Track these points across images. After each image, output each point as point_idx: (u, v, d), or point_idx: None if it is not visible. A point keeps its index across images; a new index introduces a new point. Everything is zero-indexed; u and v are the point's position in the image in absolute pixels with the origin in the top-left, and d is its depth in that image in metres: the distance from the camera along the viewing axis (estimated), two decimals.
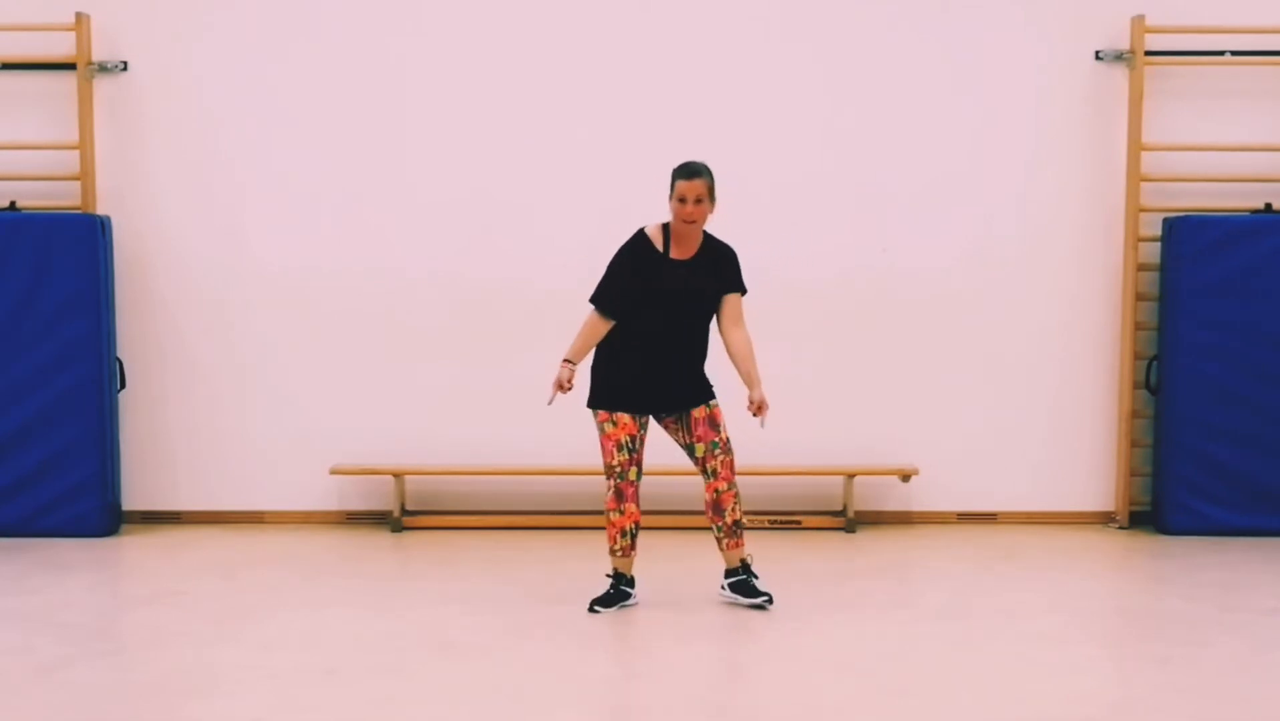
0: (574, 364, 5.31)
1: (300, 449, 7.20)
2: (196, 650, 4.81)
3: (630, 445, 5.31)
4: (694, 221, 5.22)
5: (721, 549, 5.47)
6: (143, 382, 7.19)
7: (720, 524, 5.40)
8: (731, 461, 5.38)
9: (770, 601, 5.41)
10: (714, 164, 5.69)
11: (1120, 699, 4.37)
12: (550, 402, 5.31)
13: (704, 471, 5.38)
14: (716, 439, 5.34)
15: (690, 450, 5.39)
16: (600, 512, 7.07)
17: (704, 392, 5.39)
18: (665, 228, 5.32)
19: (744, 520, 5.46)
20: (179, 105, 7.11)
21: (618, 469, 5.28)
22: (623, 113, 7.07)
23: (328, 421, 7.20)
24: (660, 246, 5.29)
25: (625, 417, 5.30)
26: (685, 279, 5.28)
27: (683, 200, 5.18)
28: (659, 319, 5.28)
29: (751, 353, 5.35)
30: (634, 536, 5.39)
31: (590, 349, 5.35)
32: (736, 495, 5.39)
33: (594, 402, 5.38)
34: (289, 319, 7.18)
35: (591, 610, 5.34)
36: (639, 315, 5.28)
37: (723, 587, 5.52)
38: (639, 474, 5.38)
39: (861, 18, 7.09)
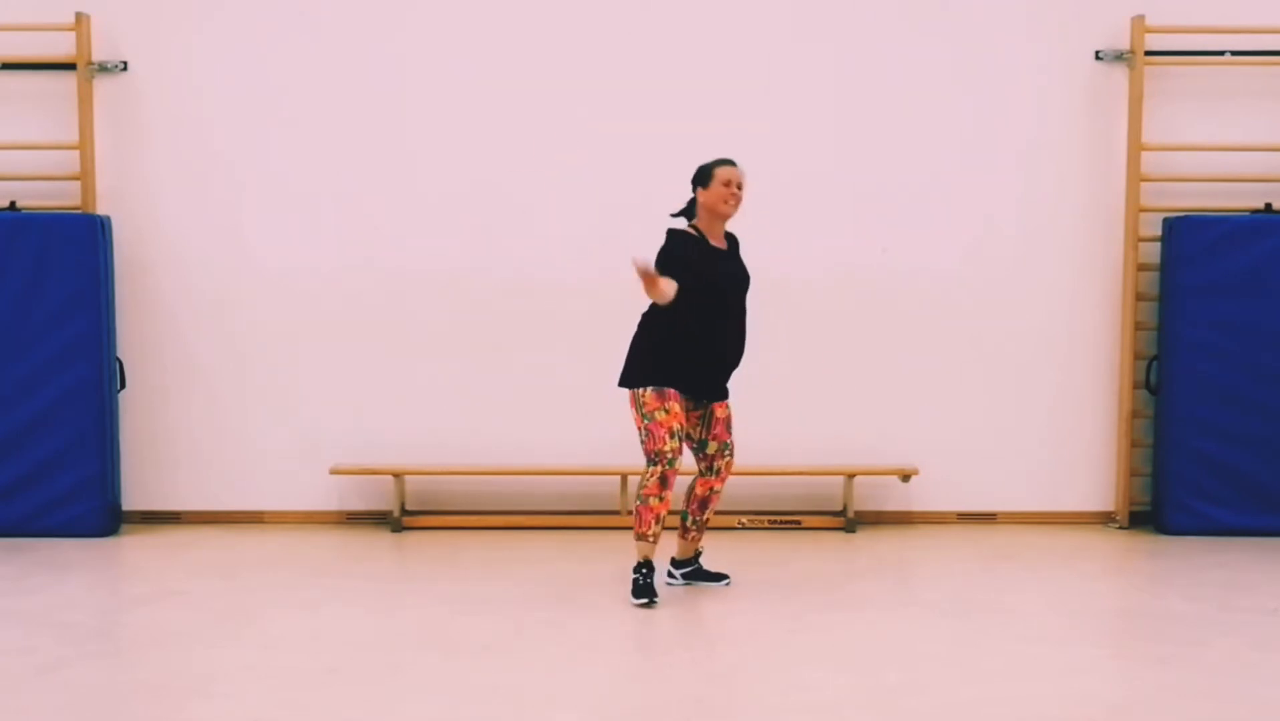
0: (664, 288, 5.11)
1: (300, 449, 7.20)
2: (196, 650, 4.80)
3: (681, 433, 5.33)
4: (737, 206, 5.35)
5: (683, 538, 5.75)
6: (143, 382, 7.19)
7: (698, 518, 5.66)
8: (732, 465, 5.64)
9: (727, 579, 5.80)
10: None
11: (1120, 699, 4.37)
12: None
13: (708, 468, 5.58)
14: (729, 441, 5.57)
15: (702, 445, 5.55)
16: (601, 513, 7.16)
17: (727, 390, 5.55)
18: (693, 227, 5.41)
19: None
20: (179, 105, 7.11)
21: (669, 455, 5.27)
22: (624, 111, 7.06)
23: (328, 421, 7.20)
24: (699, 239, 5.37)
25: (676, 406, 5.30)
26: (731, 267, 5.43)
27: (727, 184, 5.31)
28: (714, 309, 5.30)
29: None
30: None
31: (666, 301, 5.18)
32: (720, 496, 5.69)
33: (642, 381, 5.30)
34: (289, 319, 7.18)
35: (648, 603, 5.34)
36: (694, 306, 5.23)
37: (674, 575, 5.79)
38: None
39: (861, 17, 7.09)
